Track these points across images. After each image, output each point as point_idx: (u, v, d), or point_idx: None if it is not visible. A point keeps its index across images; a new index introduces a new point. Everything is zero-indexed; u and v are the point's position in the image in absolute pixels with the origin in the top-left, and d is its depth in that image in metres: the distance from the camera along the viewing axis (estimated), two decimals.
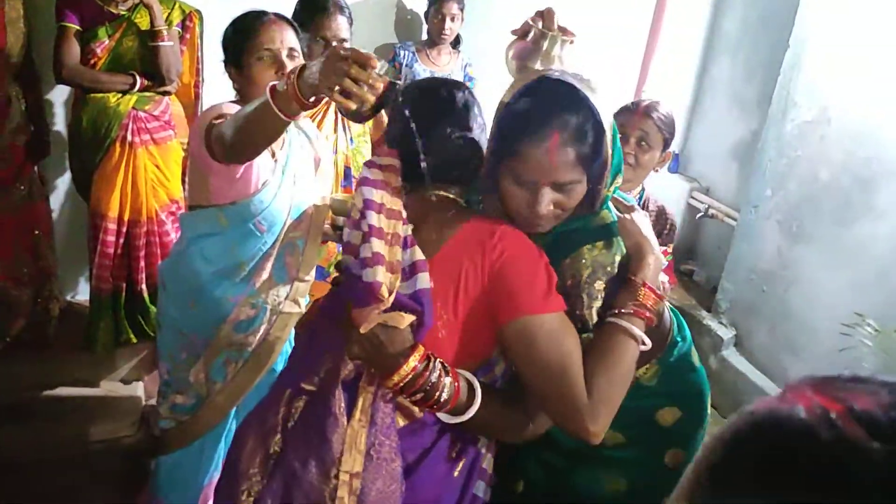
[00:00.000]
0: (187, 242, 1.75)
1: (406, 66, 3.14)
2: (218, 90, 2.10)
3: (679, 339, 1.33)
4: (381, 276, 1.06)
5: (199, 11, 2.58)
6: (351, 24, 2.21)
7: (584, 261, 1.13)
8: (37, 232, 2.65)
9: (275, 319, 1.76)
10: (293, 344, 1.95)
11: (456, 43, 3.21)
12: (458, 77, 3.20)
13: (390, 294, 1.06)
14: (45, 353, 2.65)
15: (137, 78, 2.44)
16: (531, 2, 3.45)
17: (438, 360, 1.09)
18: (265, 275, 1.72)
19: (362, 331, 1.07)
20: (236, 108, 1.62)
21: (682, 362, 1.33)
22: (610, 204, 1.21)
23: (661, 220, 1.99)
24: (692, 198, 3.78)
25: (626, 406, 1.20)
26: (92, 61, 2.42)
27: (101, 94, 2.43)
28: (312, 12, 2.11)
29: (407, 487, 1.11)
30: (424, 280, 1.09)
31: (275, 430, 1.17)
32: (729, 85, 3.70)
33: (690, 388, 1.34)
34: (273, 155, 1.74)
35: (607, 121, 1.08)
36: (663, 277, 1.23)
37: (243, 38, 1.69)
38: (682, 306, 3.36)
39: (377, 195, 1.13)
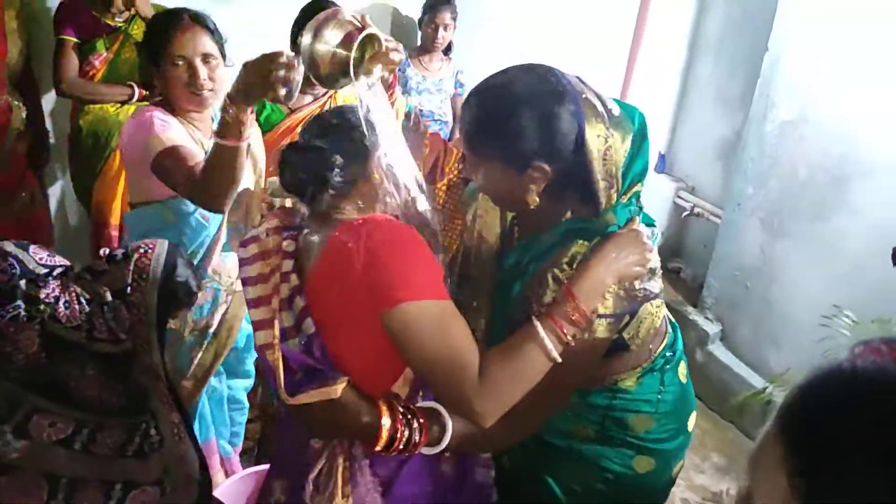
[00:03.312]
0: (133, 228, 1.83)
1: (399, 70, 3.22)
2: None
3: (669, 353, 1.35)
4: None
5: None
6: None
7: (569, 254, 1.14)
8: (37, 239, 2.72)
9: (230, 299, 1.86)
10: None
11: (447, 50, 3.29)
12: (450, 83, 3.28)
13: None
14: None
15: (135, 88, 2.51)
16: (521, 10, 3.54)
17: (399, 405, 1.10)
18: (216, 258, 1.82)
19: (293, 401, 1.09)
20: (175, 134, 1.68)
21: (667, 376, 1.34)
22: (630, 213, 1.19)
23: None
24: (678, 197, 3.87)
25: (598, 404, 1.26)
26: (90, 73, 2.48)
27: (100, 105, 2.50)
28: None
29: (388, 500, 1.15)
30: (308, 326, 1.11)
31: None
32: (713, 84, 3.78)
33: (669, 401, 1.34)
34: (204, 149, 1.82)
35: None
36: None
37: (158, 42, 1.71)
38: (670, 303, 3.44)
39: (252, 270, 1.19)
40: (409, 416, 1.09)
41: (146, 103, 2.53)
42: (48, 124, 2.75)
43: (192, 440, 1.21)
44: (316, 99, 2.35)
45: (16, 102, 2.52)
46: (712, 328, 3.21)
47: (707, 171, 3.83)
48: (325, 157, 1.14)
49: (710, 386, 3.09)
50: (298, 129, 2.29)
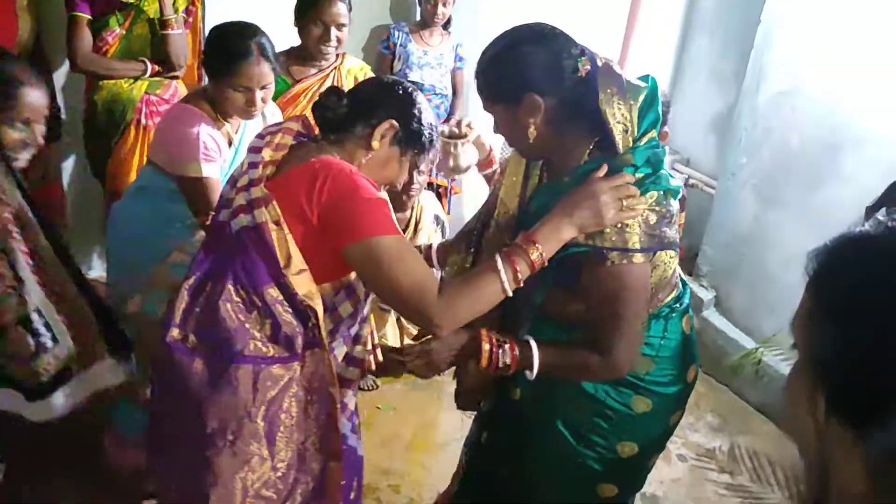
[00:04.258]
0: (144, 183, 1.94)
1: (400, 45, 3.28)
2: None
3: (676, 304, 1.45)
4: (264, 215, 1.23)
5: None
6: (350, 10, 2.37)
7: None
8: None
9: None
10: None
11: (447, 24, 3.34)
12: (450, 57, 3.34)
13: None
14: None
15: (148, 64, 2.56)
16: None
17: (494, 334, 1.30)
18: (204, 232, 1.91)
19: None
20: (214, 167, 1.83)
21: (671, 324, 1.45)
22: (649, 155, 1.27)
23: None
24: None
25: None
26: (104, 49, 2.52)
27: (114, 80, 2.55)
28: None
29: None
30: (260, 215, 1.22)
31: None
32: (707, 61, 3.85)
33: (670, 347, 1.44)
34: (230, 140, 1.93)
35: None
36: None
37: (226, 67, 1.80)
38: None
39: (260, 169, 1.29)
40: (503, 342, 1.29)
41: (158, 78, 2.61)
42: (59, 100, 2.79)
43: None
44: (320, 70, 2.43)
45: None
46: (707, 295, 3.32)
47: (702, 145, 3.91)
48: (343, 106, 1.34)
49: (705, 351, 3.16)
50: (301, 99, 2.41)
